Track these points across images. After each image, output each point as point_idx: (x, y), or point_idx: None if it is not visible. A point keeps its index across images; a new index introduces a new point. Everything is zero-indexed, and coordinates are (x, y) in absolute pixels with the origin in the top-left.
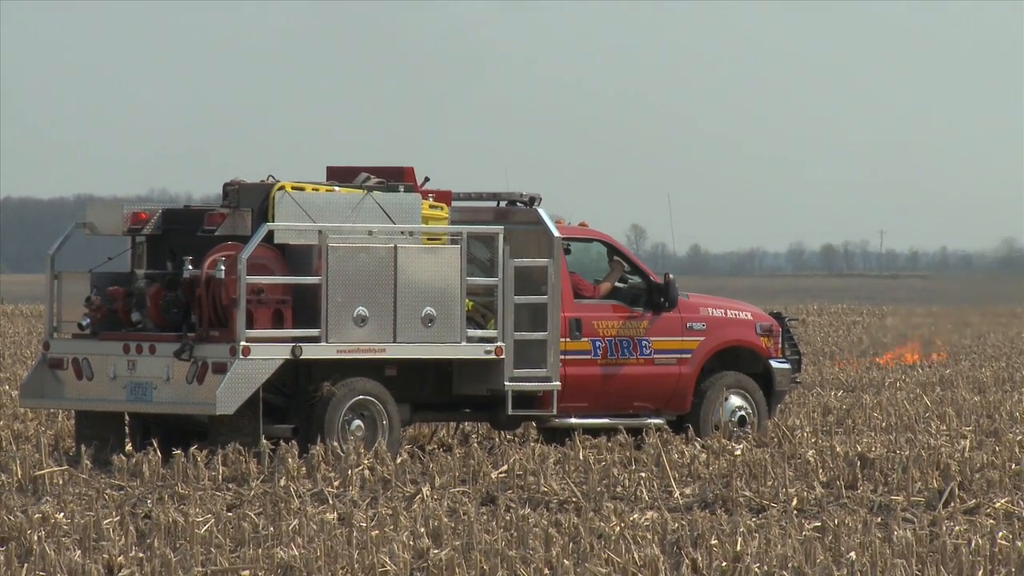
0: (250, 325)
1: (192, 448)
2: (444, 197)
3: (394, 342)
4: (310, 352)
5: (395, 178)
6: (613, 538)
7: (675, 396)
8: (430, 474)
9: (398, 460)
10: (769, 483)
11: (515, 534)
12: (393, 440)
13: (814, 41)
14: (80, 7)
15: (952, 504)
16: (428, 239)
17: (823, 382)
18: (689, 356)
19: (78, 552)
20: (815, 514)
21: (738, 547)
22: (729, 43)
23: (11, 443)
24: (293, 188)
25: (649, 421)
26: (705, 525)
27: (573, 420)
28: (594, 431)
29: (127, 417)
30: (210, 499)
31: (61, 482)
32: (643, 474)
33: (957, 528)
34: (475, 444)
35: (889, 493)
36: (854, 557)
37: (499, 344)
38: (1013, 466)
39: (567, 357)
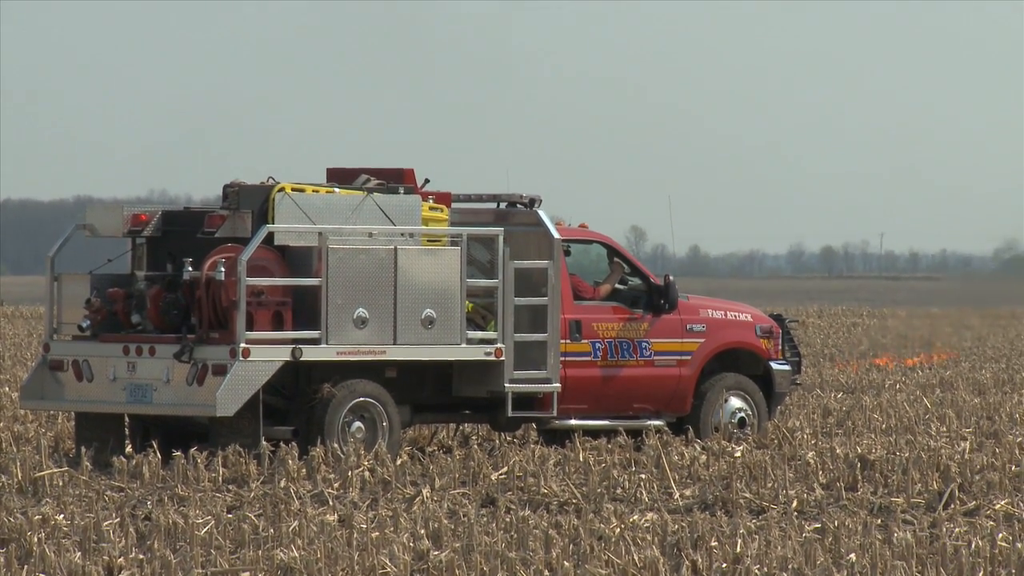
0: (250, 327)
1: (192, 450)
2: (444, 199)
3: (394, 344)
4: (310, 354)
5: (395, 180)
6: (613, 540)
7: (675, 398)
8: (430, 476)
9: (398, 462)
10: (769, 485)
11: (515, 536)
12: (393, 442)
13: (814, 41)
14: (80, 7)
15: (952, 506)
16: (428, 241)
17: (823, 384)
18: (689, 358)
19: (78, 554)
20: (815, 516)
21: (738, 549)
22: (729, 44)
23: (11, 445)
24: (293, 190)
25: (649, 423)
26: (705, 527)
27: (573, 422)
28: (594, 433)
29: (127, 419)
30: (210, 501)
31: (61, 484)
32: (643, 476)
33: (957, 530)
34: (475, 446)
35: (889, 495)
36: (854, 559)
37: (499, 346)
38: (1013, 468)
39: (567, 359)
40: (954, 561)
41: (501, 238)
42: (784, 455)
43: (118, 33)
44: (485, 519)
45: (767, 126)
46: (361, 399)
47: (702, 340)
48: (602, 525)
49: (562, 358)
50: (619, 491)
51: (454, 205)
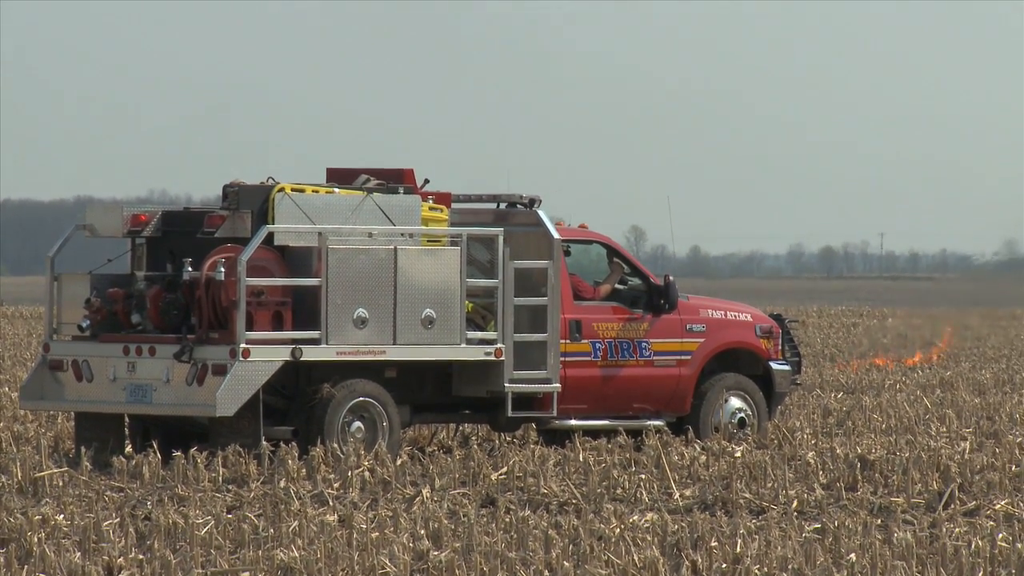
0: (250, 327)
1: (192, 450)
2: (444, 199)
3: (394, 344)
4: (310, 354)
5: (395, 180)
6: (613, 540)
7: (675, 398)
8: (430, 476)
9: (398, 462)
10: (769, 485)
11: (515, 536)
12: (393, 442)
13: (814, 42)
14: (80, 7)
15: (952, 506)
16: (428, 241)
17: (823, 384)
18: (689, 358)
19: (78, 554)
20: (815, 516)
21: (738, 549)
22: (729, 44)
23: (11, 445)
24: (293, 190)
25: (649, 423)
26: (705, 527)
27: (573, 422)
28: (594, 433)
29: (127, 419)
30: (210, 501)
31: (61, 484)
32: (643, 476)
33: (957, 530)
34: (475, 446)
35: (889, 495)
36: (854, 559)
37: (499, 346)
38: (1013, 468)
39: (567, 359)
40: (954, 561)
41: (501, 238)
42: (784, 455)
43: (118, 33)
44: (485, 519)
45: (767, 126)
46: (361, 399)
47: (702, 340)
48: (602, 525)
49: (562, 358)
50: (619, 491)
51: (454, 205)
